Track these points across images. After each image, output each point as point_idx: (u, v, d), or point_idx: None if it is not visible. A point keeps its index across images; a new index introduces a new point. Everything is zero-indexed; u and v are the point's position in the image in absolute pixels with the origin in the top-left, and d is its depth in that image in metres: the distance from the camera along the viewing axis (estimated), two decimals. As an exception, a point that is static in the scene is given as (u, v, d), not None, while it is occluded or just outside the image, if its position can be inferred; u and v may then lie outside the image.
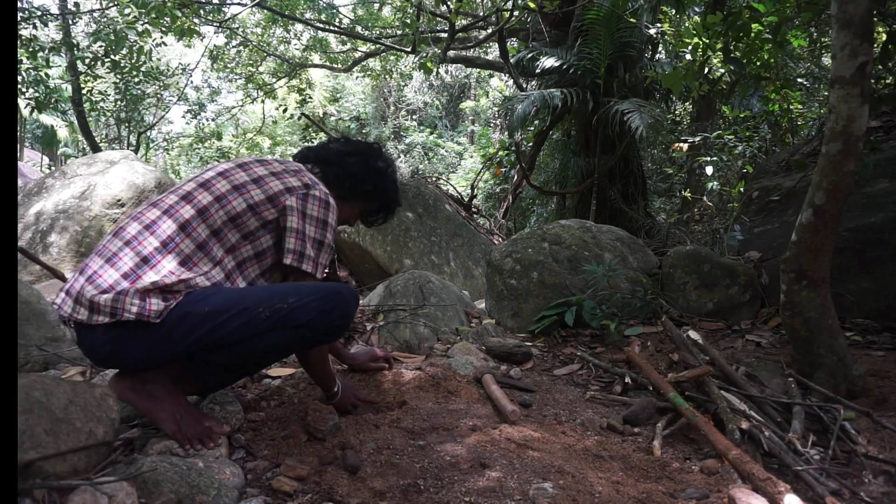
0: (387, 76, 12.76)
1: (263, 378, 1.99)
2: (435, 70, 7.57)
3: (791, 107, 5.03)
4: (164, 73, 10.88)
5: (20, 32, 6.31)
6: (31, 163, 21.70)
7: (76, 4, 7.25)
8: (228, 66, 11.39)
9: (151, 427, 1.45)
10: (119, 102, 11.28)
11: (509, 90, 12.77)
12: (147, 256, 1.37)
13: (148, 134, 13.89)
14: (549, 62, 6.07)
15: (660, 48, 6.85)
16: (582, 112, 6.17)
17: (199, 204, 1.46)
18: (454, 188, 7.79)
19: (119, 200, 5.35)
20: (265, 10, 9.82)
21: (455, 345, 2.40)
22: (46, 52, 6.67)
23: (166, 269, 1.37)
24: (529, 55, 6.39)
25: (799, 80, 5.98)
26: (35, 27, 6.44)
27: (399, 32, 9.70)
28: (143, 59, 8.36)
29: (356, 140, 1.88)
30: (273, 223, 1.53)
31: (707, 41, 3.05)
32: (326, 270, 1.58)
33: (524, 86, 7.56)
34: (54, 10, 7.64)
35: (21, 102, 6.91)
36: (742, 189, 3.69)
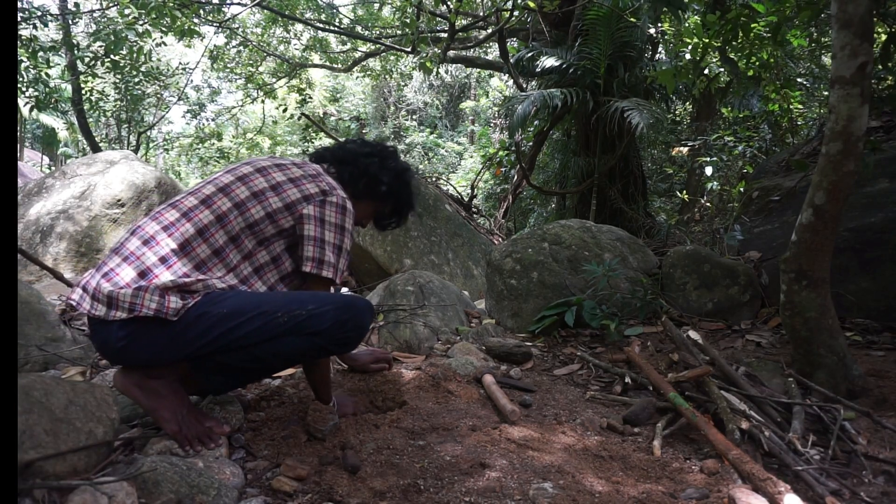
0: (387, 76, 12.76)
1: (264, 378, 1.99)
2: (435, 70, 7.57)
3: (791, 107, 5.03)
4: (164, 73, 10.88)
5: (20, 32, 6.31)
6: (31, 163, 21.70)
7: (76, 4, 7.25)
8: (228, 66, 11.39)
9: (151, 427, 1.45)
10: (119, 102, 11.29)
11: (509, 90, 12.77)
12: (164, 257, 1.38)
13: (148, 134, 13.89)
14: (549, 62, 6.07)
15: (660, 48, 6.85)
16: (582, 112, 6.17)
17: (218, 210, 1.47)
18: (454, 188, 7.79)
19: (119, 200, 5.35)
20: (265, 10, 9.82)
21: (455, 345, 2.40)
22: (46, 52, 6.67)
23: (181, 270, 1.38)
24: (529, 55, 6.39)
25: (799, 80, 5.98)
26: (35, 27, 6.44)
27: (399, 32, 9.70)
28: (143, 60, 8.36)
29: (373, 141, 1.88)
30: (288, 231, 1.53)
31: (706, 41, 3.06)
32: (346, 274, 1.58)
33: (524, 86, 7.56)
34: (54, 10, 7.64)
35: (20, 101, 6.91)
36: (742, 189, 3.69)
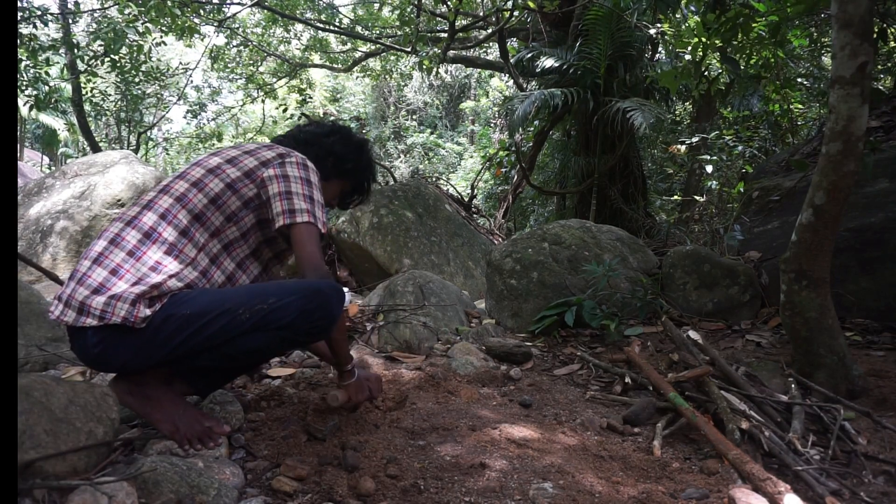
0: (387, 76, 12.75)
1: (263, 378, 1.99)
2: (435, 70, 7.57)
3: (791, 107, 5.03)
4: (164, 73, 10.88)
5: (20, 31, 6.31)
6: (31, 163, 21.67)
7: (76, 4, 7.25)
8: (229, 66, 11.39)
9: (151, 427, 1.45)
10: (119, 102, 11.28)
11: (509, 90, 12.77)
12: (132, 250, 1.38)
13: (148, 134, 13.89)
14: (549, 62, 6.07)
15: (660, 48, 6.85)
16: (582, 112, 6.18)
17: (175, 192, 1.47)
18: (454, 188, 7.79)
19: (119, 200, 5.36)
20: (265, 10, 9.82)
21: (455, 345, 2.40)
22: (46, 51, 6.67)
23: (152, 259, 1.37)
24: (529, 55, 6.39)
25: (799, 80, 5.98)
26: (35, 26, 6.44)
27: (399, 32, 9.70)
28: (142, 59, 8.36)
29: (326, 122, 1.88)
30: (254, 200, 1.51)
31: (706, 41, 3.06)
32: (325, 227, 1.51)
33: (524, 86, 7.57)
34: (54, 9, 7.64)
35: (20, 101, 6.90)
36: (742, 189, 3.69)
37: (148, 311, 1.31)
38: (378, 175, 1.90)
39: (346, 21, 10.87)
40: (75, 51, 7.67)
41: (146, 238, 1.40)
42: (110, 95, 10.93)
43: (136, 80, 9.88)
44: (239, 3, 8.47)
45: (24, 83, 6.78)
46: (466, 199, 6.99)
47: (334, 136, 1.78)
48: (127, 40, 6.73)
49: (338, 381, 1.66)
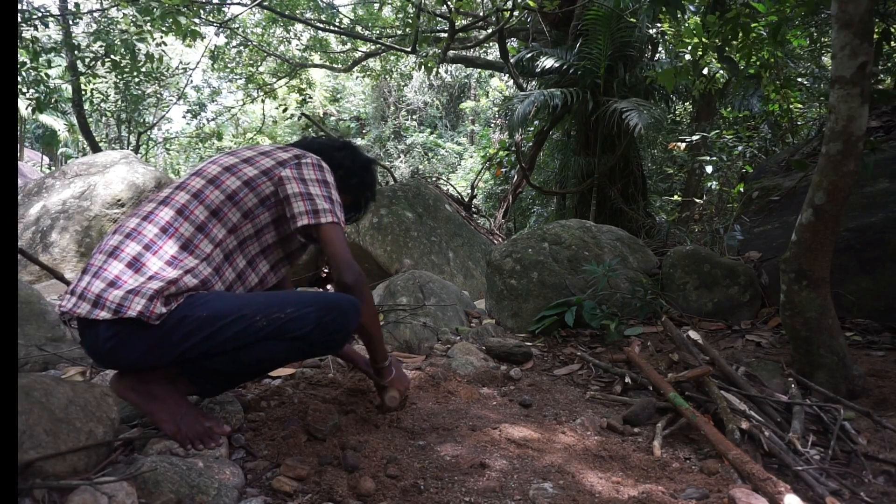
0: (387, 76, 12.75)
1: (263, 378, 1.99)
2: (435, 70, 7.58)
3: (791, 107, 5.03)
4: (164, 73, 10.87)
5: (22, 34, 6.31)
6: (31, 163, 21.66)
7: (76, 5, 7.25)
8: (229, 66, 11.38)
9: (151, 427, 1.45)
10: (119, 103, 11.28)
11: (509, 90, 12.78)
12: (148, 244, 1.38)
13: (148, 134, 13.88)
14: (549, 62, 6.07)
15: (660, 48, 6.85)
16: (582, 112, 6.18)
17: (193, 189, 1.48)
18: (454, 188, 7.80)
19: (119, 200, 5.35)
20: (265, 10, 9.82)
21: (455, 345, 2.40)
22: (47, 53, 6.66)
23: (168, 253, 1.37)
24: (529, 55, 6.39)
25: (799, 80, 5.98)
26: (36, 28, 6.43)
27: (399, 32, 9.71)
28: (154, 63, 8.36)
29: (335, 138, 1.91)
30: (271, 198, 1.52)
31: (706, 41, 3.06)
32: (346, 226, 1.55)
33: (524, 86, 7.57)
34: (54, 10, 7.64)
35: (21, 102, 6.90)
36: (742, 189, 3.69)
37: (164, 309, 1.31)
38: (376, 192, 1.93)
39: (346, 21, 10.87)
40: (76, 52, 7.66)
41: (162, 233, 1.40)
42: (110, 96, 10.93)
43: (136, 80, 9.87)
44: (239, 4, 8.47)
45: (25, 85, 6.78)
46: (466, 199, 6.99)
47: (345, 150, 1.81)
48: (134, 47, 6.73)
49: (379, 379, 1.65)
